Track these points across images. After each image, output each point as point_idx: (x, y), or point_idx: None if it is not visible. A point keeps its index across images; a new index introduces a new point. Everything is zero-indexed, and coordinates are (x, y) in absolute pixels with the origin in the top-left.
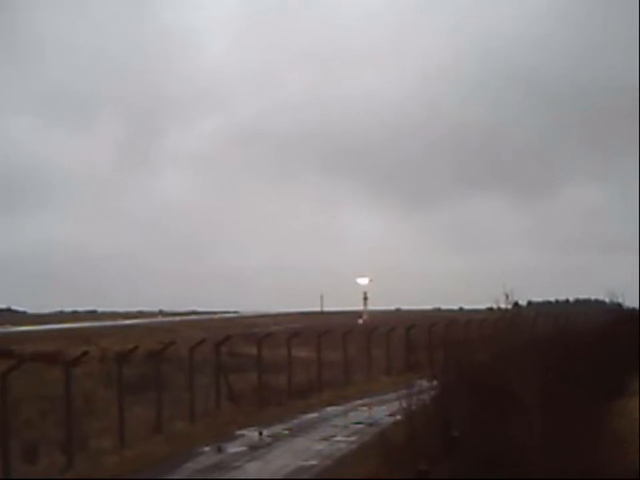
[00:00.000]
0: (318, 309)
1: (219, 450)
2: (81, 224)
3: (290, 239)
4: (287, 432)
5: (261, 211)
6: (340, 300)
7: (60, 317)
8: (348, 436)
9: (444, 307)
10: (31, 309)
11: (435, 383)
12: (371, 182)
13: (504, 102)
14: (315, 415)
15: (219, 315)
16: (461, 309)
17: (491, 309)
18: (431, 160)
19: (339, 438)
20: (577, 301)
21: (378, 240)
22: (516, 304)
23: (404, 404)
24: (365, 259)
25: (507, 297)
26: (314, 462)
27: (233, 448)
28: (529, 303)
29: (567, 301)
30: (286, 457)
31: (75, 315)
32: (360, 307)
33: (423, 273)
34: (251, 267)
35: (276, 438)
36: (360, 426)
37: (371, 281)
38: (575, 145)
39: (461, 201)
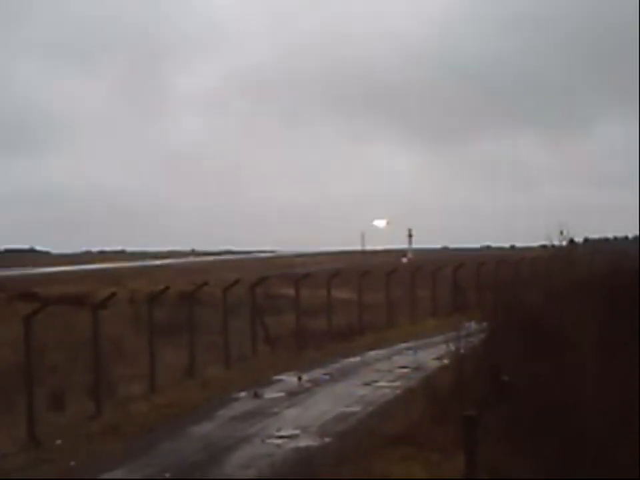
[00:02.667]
0: (358, 247)
1: (256, 395)
2: (100, 165)
3: (322, 177)
4: (327, 377)
5: (286, 151)
6: (382, 238)
7: (86, 257)
8: (392, 381)
9: (494, 244)
10: (54, 249)
11: (484, 325)
12: (401, 119)
13: (536, 40)
14: (356, 358)
15: (254, 255)
16: (512, 247)
17: (544, 247)
18: (463, 96)
19: (382, 383)
20: (637, 238)
21: (414, 177)
22: (571, 241)
23: (451, 347)
24: (402, 196)
25: (562, 233)
26: (356, 408)
27: (270, 393)
28: (586, 240)
29: (627, 237)
30: (326, 403)
31: (101, 255)
32: (405, 246)
33: (468, 209)
34: (284, 205)
35: (315, 383)
36: (404, 370)
37: (388, 223)
38: (607, 82)
39: (498, 137)
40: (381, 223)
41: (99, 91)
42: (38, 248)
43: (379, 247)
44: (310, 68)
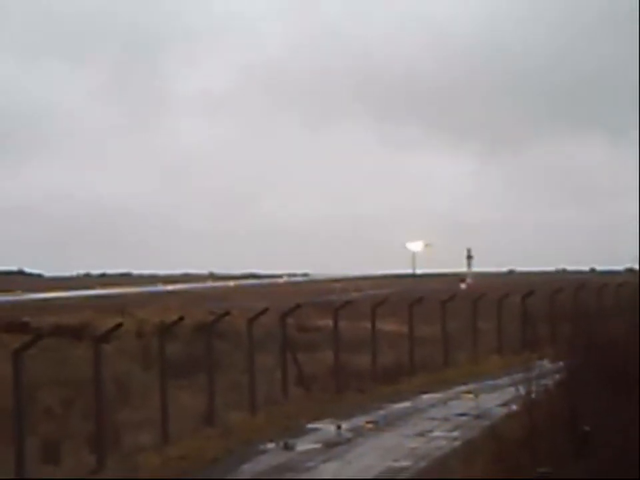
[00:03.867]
0: (408, 270)
1: (286, 447)
2: (99, 176)
3: (355, 190)
4: (371, 425)
5: (311, 159)
6: (435, 260)
7: (85, 281)
8: (449, 431)
9: (570, 267)
10: (47, 272)
11: (560, 364)
12: (447, 123)
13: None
14: (406, 404)
15: (285, 279)
16: (592, 270)
17: (631, 270)
18: (517, 96)
19: (437, 433)
20: None
21: (463, 189)
22: None
23: (520, 391)
24: (455, 209)
25: None
26: (406, 463)
27: (303, 445)
28: None
29: None
30: (371, 457)
31: (104, 279)
32: (462, 269)
33: (536, 226)
34: (314, 222)
35: (358, 433)
36: (464, 418)
37: (427, 245)
38: None
39: (560, 142)
40: (416, 246)
41: (91, 94)
42: (28, 270)
43: (433, 270)
44: (336, 64)
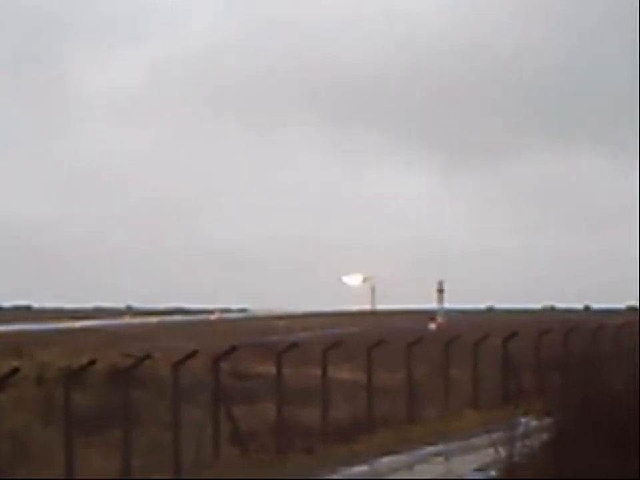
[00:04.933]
0: (366, 306)
1: None
2: None
3: (302, 208)
4: None
5: (250, 172)
6: (399, 295)
7: None
8: None
9: (560, 305)
10: None
11: (548, 422)
12: (405, 131)
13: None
14: (363, 468)
15: (217, 315)
16: (587, 309)
17: (633, 309)
18: (496, 101)
19: None
20: None
21: (430, 208)
22: None
23: (501, 453)
24: (422, 233)
25: None
26: None
27: None
28: None
29: None
30: None
31: None
32: (432, 305)
33: (521, 255)
34: (256, 245)
35: None
36: None
37: (365, 280)
38: None
39: (545, 154)
40: (353, 280)
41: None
42: None
43: (396, 306)
44: (281, 58)
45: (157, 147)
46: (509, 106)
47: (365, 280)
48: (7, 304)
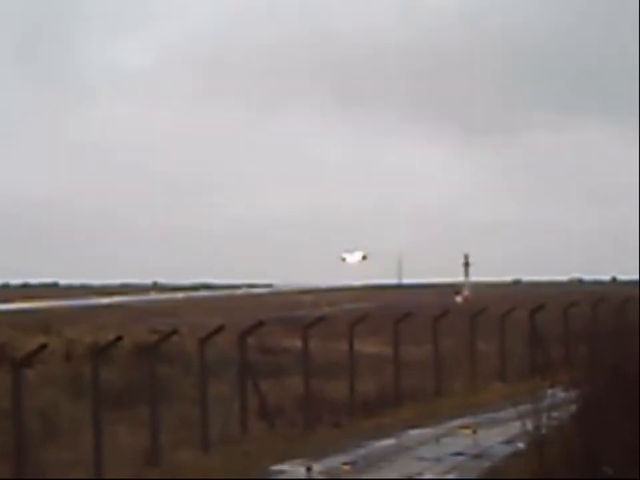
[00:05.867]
0: (393, 280)
1: None
2: (15, 171)
3: (318, 185)
4: (348, 467)
5: (265, 150)
6: (425, 269)
7: (2, 292)
8: (442, 473)
9: (587, 277)
10: None
11: (575, 394)
12: (427, 105)
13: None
14: (390, 441)
15: (244, 290)
16: (614, 280)
17: None
18: (509, 75)
19: (428, 476)
20: None
21: (449, 181)
22: None
23: (528, 425)
24: (444, 207)
25: None
26: None
27: None
28: None
29: None
30: None
31: (25, 290)
32: (459, 278)
33: (547, 228)
34: (278, 220)
35: (332, 476)
36: (460, 458)
37: (365, 257)
38: None
39: (558, 131)
40: (353, 257)
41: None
42: None
43: (423, 280)
44: (290, 36)
45: (173, 126)
46: (519, 82)
47: (364, 257)
48: (34, 281)
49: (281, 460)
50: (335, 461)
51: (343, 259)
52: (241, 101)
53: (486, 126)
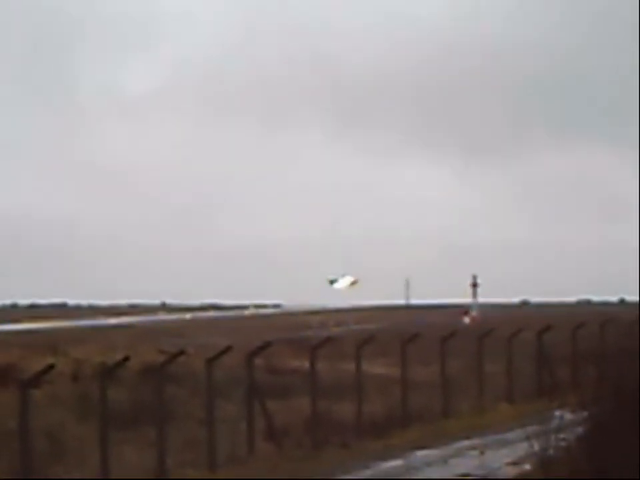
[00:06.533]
0: (400, 301)
1: None
2: (24, 192)
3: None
4: None
5: (270, 171)
6: (431, 289)
7: (10, 313)
8: None
9: (595, 298)
10: None
11: (583, 415)
12: (429, 125)
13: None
14: (397, 462)
15: (251, 311)
16: (622, 302)
17: None
18: (515, 94)
19: None
20: None
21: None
22: None
23: (535, 447)
24: (450, 228)
25: None
26: None
27: None
28: None
29: None
30: None
31: (33, 311)
32: (466, 299)
33: (554, 249)
34: (281, 244)
35: None
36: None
37: (354, 283)
38: None
39: (563, 148)
40: (341, 283)
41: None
42: None
43: (429, 301)
44: (293, 58)
45: (177, 148)
46: (519, 105)
47: (352, 283)
48: (42, 301)
49: None
50: None
51: (331, 283)
52: (244, 123)
53: (487, 147)
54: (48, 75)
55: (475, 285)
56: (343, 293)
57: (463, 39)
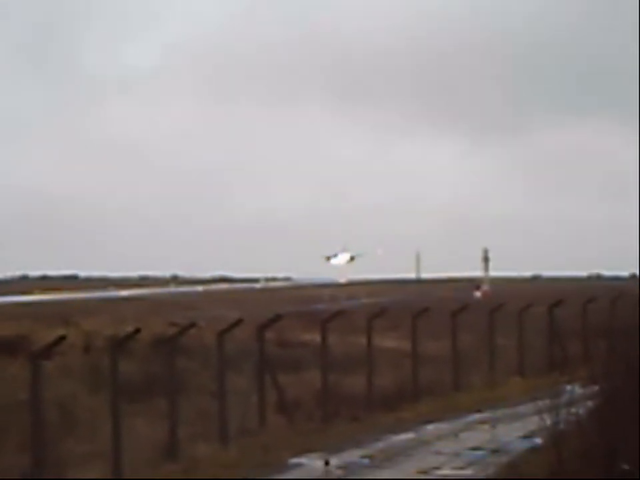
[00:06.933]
0: (411, 275)
1: None
2: (34, 166)
3: (331, 181)
4: (366, 461)
5: (280, 146)
6: (441, 263)
7: (22, 284)
8: (460, 468)
9: (607, 273)
10: None
11: (594, 389)
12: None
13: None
14: (408, 435)
15: (262, 284)
16: (633, 277)
17: None
18: (520, 71)
19: (445, 471)
20: None
21: (463, 177)
22: None
23: (546, 421)
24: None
25: None
26: None
27: None
28: None
29: None
30: None
31: (44, 282)
32: (477, 273)
33: (565, 223)
34: (296, 213)
35: (350, 470)
36: (478, 453)
37: (352, 259)
38: None
39: (567, 124)
40: (339, 260)
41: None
42: None
43: (440, 274)
44: (300, 36)
45: (187, 125)
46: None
47: (350, 260)
48: (53, 273)
49: (299, 453)
50: (352, 455)
51: (328, 259)
52: (251, 100)
53: (493, 125)
54: (56, 56)
55: (486, 259)
56: (342, 268)
57: (469, 20)
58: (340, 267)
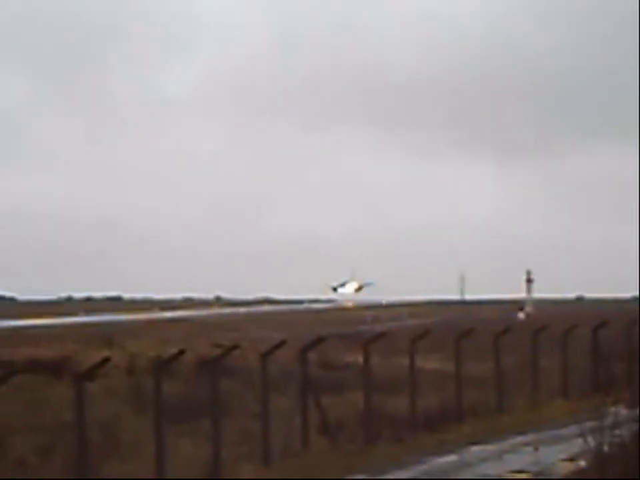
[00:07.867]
0: (455, 296)
1: None
2: (79, 187)
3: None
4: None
5: (313, 170)
6: (486, 284)
7: (66, 306)
8: None
9: None
10: (21, 295)
11: (637, 411)
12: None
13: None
14: (451, 457)
15: (306, 305)
16: None
17: None
18: (552, 97)
19: None
20: None
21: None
22: None
23: (590, 443)
24: (500, 224)
25: None
26: None
27: None
28: None
29: None
30: None
31: (89, 304)
32: (521, 295)
33: (607, 245)
34: (333, 237)
35: None
36: (521, 476)
37: (359, 288)
38: None
39: (595, 151)
40: (346, 290)
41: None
42: None
43: (484, 296)
44: (327, 63)
45: (224, 149)
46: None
47: (358, 289)
48: (98, 294)
49: (342, 475)
50: (396, 476)
51: (334, 289)
52: (291, 126)
53: (530, 148)
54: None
55: (529, 281)
56: (348, 297)
57: (496, 42)
58: (347, 295)
